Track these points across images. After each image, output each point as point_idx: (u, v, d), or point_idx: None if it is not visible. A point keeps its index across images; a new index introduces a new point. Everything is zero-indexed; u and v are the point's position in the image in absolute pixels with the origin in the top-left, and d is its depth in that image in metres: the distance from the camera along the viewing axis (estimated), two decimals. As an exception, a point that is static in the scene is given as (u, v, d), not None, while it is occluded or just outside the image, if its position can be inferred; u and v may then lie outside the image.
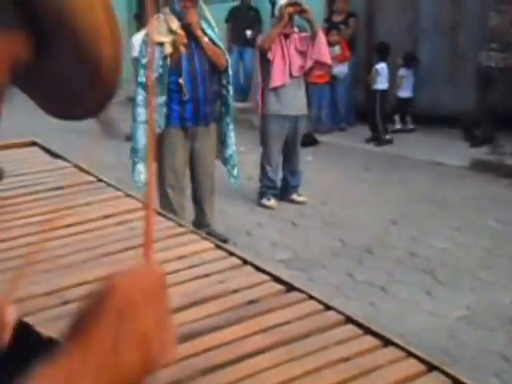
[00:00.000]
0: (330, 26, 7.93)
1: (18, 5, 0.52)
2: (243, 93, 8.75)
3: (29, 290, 1.45)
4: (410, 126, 7.90)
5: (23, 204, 1.88)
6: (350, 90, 8.14)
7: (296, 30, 5.06)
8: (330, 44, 7.77)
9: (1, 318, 0.75)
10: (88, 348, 0.52)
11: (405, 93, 7.72)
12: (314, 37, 4.90)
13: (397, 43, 7.72)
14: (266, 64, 4.98)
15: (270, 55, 4.90)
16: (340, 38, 7.86)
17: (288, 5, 4.86)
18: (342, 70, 7.89)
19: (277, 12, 4.99)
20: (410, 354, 1.30)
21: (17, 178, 2.01)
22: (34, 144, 2.28)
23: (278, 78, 4.92)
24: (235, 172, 4.29)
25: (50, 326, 1.31)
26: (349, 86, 8.08)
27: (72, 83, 0.59)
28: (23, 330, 1.30)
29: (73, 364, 0.51)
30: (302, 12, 4.92)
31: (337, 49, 7.85)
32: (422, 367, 1.27)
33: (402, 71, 7.70)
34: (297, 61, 4.97)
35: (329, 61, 5.15)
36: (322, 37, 4.99)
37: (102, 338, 0.52)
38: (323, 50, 4.99)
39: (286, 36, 4.95)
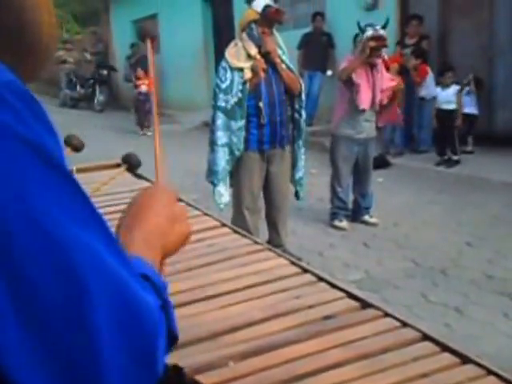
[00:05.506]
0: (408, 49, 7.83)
1: None
2: (309, 116, 8.76)
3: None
4: (470, 148, 7.64)
5: (113, 220, 1.99)
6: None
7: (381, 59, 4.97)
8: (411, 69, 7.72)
9: None
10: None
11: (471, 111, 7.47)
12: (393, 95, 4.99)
13: (470, 64, 7.56)
14: (348, 88, 4.91)
15: (354, 78, 4.80)
16: (418, 61, 7.75)
17: (371, 38, 4.74)
18: (430, 91, 7.72)
19: (359, 43, 4.89)
20: (490, 372, 1.29)
21: (107, 196, 2.15)
22: (119, 165, 2.41)
23: (364, 100, 4.86)
24: (302, 194, 4.35)
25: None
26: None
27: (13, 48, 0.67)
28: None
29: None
30: (384, 47, 4.88)
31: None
32: (502, 386, 1.26)
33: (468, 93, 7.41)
34: (378, 93, 4.91)
35: (399, 120, 5.60)
36: (394, 106, 5.16)
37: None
38: (393, 116, 5.31)
39: (372, 65, 4.85)
